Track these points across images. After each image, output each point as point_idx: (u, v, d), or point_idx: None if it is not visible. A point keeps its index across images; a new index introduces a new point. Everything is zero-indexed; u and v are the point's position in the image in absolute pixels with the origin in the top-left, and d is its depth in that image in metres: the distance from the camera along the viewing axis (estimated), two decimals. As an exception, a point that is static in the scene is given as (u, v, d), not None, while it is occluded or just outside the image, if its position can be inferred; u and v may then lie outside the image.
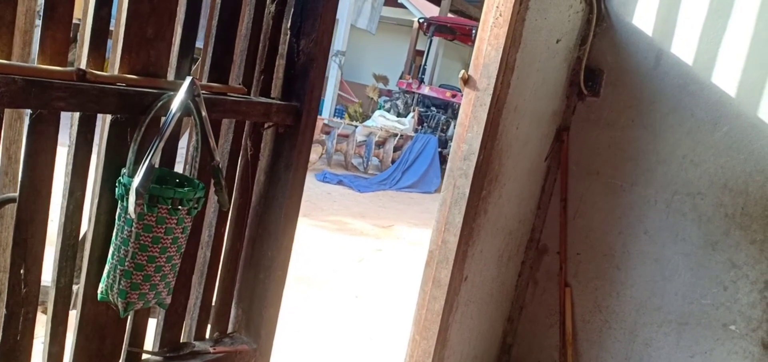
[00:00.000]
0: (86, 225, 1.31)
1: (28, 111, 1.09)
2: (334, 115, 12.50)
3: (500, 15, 2.22)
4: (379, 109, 12.14)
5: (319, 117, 11.68)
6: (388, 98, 12.61)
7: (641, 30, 2.70)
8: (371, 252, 6.44)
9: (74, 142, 1.20)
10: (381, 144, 10.12)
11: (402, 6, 15.46)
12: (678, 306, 2.68)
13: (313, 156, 9.23)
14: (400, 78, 12.70)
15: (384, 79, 15.63)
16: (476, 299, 2.72)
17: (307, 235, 6.20)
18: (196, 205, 1.26)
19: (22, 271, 1.11)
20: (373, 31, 13.42)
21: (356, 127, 10.06)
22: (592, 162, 2.87)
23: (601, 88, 2.80)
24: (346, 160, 9.93)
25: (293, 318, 4.05)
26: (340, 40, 12.26)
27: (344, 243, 6.51)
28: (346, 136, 9.76)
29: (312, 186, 8.66)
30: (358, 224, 7.49)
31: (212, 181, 1.36)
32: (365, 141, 9.94)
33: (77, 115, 1.20)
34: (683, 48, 2.62)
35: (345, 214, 7.77)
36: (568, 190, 2.94)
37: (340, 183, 9.09)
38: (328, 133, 9.56)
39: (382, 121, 10.94)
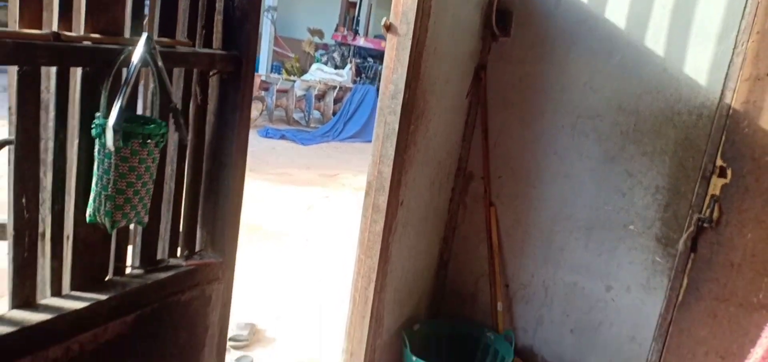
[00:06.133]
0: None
1: (16, 68, 1.32)
2: (272, 72, 12.51)
3: (414, -36, 2.48)
4: (317, 62, 12.23)
5: (256, 73, 11.61)
6: (324, 52, 12.70)
7: (544, -27, 3.02)
8: (319, 199, 6.66)
9: (54, 93, 1.42)
10: (321, 97, 10.26)
11: (333, -42, 15.39)
12: (586, 214, 3.08)
13: (254, 113, 9.29)
14: (335, 31, 12.77)
15: (319, 33, 15.63)
16: (413, 222, 3.04)
17: (255, 188, 6.27)
18: (161, 139, 1.51)
19: (23, 200, 1.35)
20: (306, -15, 13.36)
21: (295, 81, 10.15)
22: (508, 96, 3.20)
23: (511, 28, 3.11)
24: (288, 115, 10.03)
25: (246, 263, 4.28)
26: (272, -5, 12.18)
27: (292, 193, 6.68)
28: (286, 92, 9.84)
29: (255, 142, 8.70)
30: (305, 175, 7.65)
31: (172, 121, 1.61)
32: (305, 95, 10.05)
33: (54, 70, 1.42)
34: (580, -13, 2.95)
35: (291, 166, 7.91)
36: (488, 122, 3.27)
37: (283, 137, 9.16)
38: (266, 89, 9.60)
39: (320, 73, 11.05)
